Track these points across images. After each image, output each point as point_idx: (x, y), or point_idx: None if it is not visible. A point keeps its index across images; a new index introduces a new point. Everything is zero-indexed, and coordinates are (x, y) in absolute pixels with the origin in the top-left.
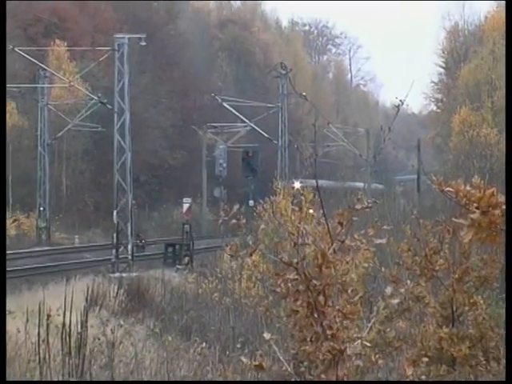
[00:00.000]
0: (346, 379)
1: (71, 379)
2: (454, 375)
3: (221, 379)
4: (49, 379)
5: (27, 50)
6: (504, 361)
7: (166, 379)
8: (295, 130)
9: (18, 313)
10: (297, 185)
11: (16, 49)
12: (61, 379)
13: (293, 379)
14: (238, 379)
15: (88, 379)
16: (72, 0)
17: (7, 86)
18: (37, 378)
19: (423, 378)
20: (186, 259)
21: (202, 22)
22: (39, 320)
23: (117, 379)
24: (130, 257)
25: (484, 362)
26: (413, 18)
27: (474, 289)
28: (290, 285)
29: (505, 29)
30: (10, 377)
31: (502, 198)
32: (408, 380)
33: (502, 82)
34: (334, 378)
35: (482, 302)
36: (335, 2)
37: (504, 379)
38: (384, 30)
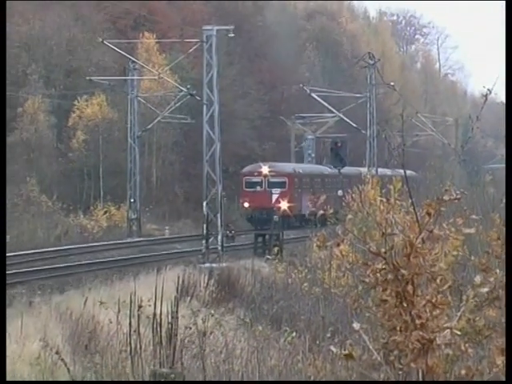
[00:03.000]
0: (435, 368)
1: (163, 369)
2: None
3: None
4: (140, 370)
5: (117, 42)
6: None
7: (257, 368)
8: (383, 120)
9: (109, 303)
10: (264, 169)
11: (106, 42)
12: (152, 369)
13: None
14: (329, 369)
15: (179, 368)
16: None
17: (97, 78)
18: (128, 369)
19: None
20: (276, 249)
21: (289, 13)
22: (130, 310)
23: (208, 369)
24: (220, 247)
25: None
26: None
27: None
28: (378, 274)
29: (505, 29)
30: (102, 365)
31: None
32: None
33: None
34: (423, 367)
35: None
36: None
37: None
38: (472, 19)
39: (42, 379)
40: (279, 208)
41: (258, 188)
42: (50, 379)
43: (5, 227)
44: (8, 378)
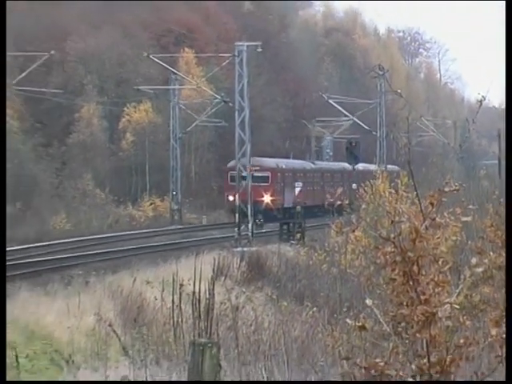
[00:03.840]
0: (437, 338)
1: (201, 339)
2: None
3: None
4: (181, 340)
5: (160, 56)
6: None
7: (283, 338)
8: (391, 123)
9: (155, 283)
10: (232, 163)
11: (151, 56)
12: (192, 339)
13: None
14: (345, 339)
15: (215, 339)
16: (198, 13)
17: (144, 87)
18: (171, 339)
19: (504, 336)
20: (298, 235)
21: (310, 30)
22: (173, 289)
23: (240, 339)
24: (250, 234)
25: None
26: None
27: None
28: (388, 257)
29: (505, 29)
30: (148, 336)
31: None
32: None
33: None
34: (427, 337)
35: None
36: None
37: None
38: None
39: (96, 349)
40: (262, 201)
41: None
42: (104, 348)
43: (5, 227)
44: (68, 351)
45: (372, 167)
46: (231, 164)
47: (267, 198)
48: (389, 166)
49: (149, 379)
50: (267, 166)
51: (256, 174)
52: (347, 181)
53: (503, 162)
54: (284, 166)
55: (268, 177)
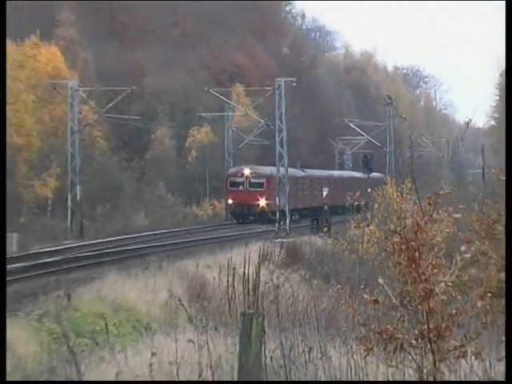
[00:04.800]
0: (435, 309)
1: (250, 310)
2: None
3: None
4: (234, 312)
5: (217, 90)
6: None
7: (314, 309)
8: (398, 140)
9: (214, 267)
10: (246, 171)
11: (210, 90)
12: (242, 311)
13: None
14: (362, 310)
15: (261, 310)
16: (246, 55)
17: (204, 114)
18: (226, 310)
19: (488, 307)
20: (326, 229)
21: (333, 68)
22: (228, 271)
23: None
24: (287, 227)
25: None
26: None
27: (505, 232)
28: (395, 245)
29: (505, 29)
30: (209, 308)
31: None
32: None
33: None
34: (426, 308)
35: None
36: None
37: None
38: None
39: (168, 319)
40: (258, 205)
41: (241, 187)
42: (174, 317)
43: (5, 227)
44: (146, 320)
45: (358, 174)
46: (230, 171)
47: (262, 202)
48: (376, 174)
49: (210, 343)
50: (263, 173)
51: (253, 181)
52: (333, 185)
53: (486, 171)
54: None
55: (263, 183)
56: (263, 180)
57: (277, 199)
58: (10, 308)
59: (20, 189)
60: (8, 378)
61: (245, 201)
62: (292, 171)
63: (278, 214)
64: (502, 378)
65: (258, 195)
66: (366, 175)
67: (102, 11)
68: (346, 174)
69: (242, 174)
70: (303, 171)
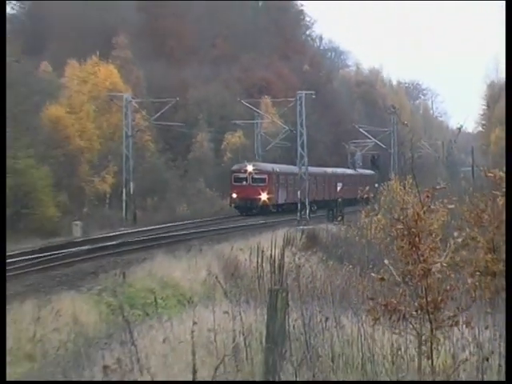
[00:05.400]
0: (432, 285)
1: (275, 287)
2: (494, 282)
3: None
4: (262, 288)
5: (248, 101)
6: None
7: (329, 285)
8: (400, 143)
9: (245, 249)
10: (249, 168)
11: (242, 101)
12: (269, 287)
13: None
14: (370, 286)
15: (285, 286)
16: (272, 72)
17: (237, 121)
18: (256, 286)
19: (476, 283)
20: (339, 218)
21: (346, 82)
22: (257, 253)
23: (301, 286)
24: (307, 217)
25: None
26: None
27: (505, 231)
28: (398, 231)
29: (505, 29)
30: (241, 285)
31: None
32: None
33: None
34: (425, 284)
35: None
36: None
37: (503, 378)
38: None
39: (207, 293)
40: (260, 199)
41: (244, 183)
42: (212, 292)
43: (5, 228)
44: (189, 294)
45: (350, 171)
46: (234, 167)
47: (264, 196)
48: (367, 171)
49: (242, 314)
50: (265, 169)
51: (255, 177)
52: (328, 181)
53: (475, 169)
54: (278, 170)
55: (265, 178)
56: (265, 176)
57: (277, 193)
58: (74, 284)
59: (83, 184)
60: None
61: (248, 195)
62: (292, 168)
63: (299, 205)
64: (487, 343)
65: (260, 190)
66: (332, 170)
67: (153, 36)
68: (282, 167)
69: (246, 171)
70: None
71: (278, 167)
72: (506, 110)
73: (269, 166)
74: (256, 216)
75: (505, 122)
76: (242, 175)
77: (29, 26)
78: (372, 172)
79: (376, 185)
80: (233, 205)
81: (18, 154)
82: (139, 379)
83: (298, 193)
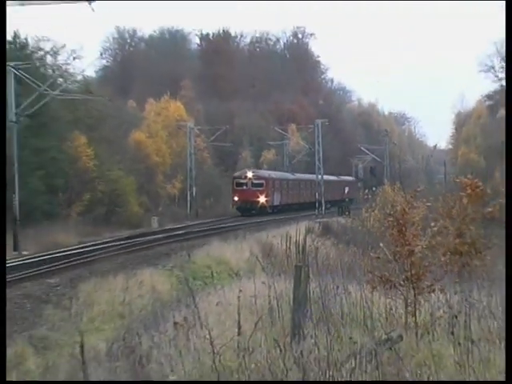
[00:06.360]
0: (415, 262)
1: (299, 264)
2: (461, 259)
3: (362, 263)
4: (290, 264)
5: (279, 127)
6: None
7: (339, 262)
8: (391, 157)
9: (277, 236)
10: (249, 174)
11: (275, 128)
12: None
13: (392, 263)
14: (369, 263)
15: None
16: (297, 105)
17: (271, 143)
18: (286, 263)
19: (448, 261)
20: (347, 212)
21: (351, 113)
22: (286, 239)
23: (319, 263)
24: (323, 212)
25: (474, 253)
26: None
27: (470, 222)
28: (390, 222)
29: (505, 29)
30: (275, 262)
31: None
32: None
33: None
34: (409, 262)
35: (472, 228)
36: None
37: (504, 378)
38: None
39: (249, 269)
40: (258, 201)
41: (244, 187)
42: (253, 268)
43: (5, 227)
44: (236, 269)
45: (332, 177)
46: (236, 174)
47: (262, 199)
48: (349, 178)
49: (275, 284)
50: (263, 175)
51: (255, 182)
52: (313, 187)
53: (447, 176)
54: (274, 176)
55: (263, 183)
56: (263, 181)
57: (273, 196)
58: (152, 262)
59: (158, 189)
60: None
61: (248, 198)
62: (286, 174)
63: (317, 203)
64: (456, 304)
65: (259, 193)
66: (295, 176)
67: (209, 79)
68: (278, 174)
69: (246, 176)
70: (293, 175)
71: (274, 173)
72: (506, 110)
73: (266, 173)
74: (284, 213)
75: (505, 122)
76: (242, 180)
77: (119, 74)
78: (354, 179)
79: (373, 188)
80: (235, 207)
81: (112, 167)
82: (200, 332)
83: (316, 194)
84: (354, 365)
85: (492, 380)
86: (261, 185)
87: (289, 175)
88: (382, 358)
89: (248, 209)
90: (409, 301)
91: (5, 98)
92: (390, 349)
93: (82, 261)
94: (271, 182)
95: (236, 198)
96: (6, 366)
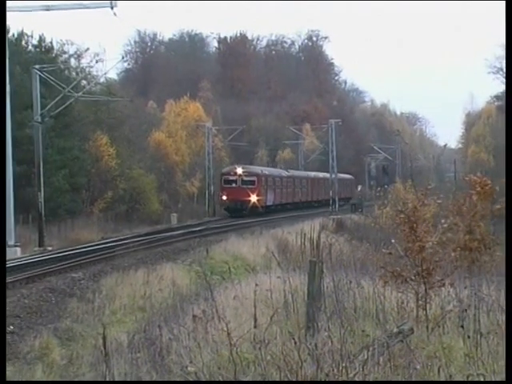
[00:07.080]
0: (426, 257)
1: (313, 259)
2: (471, 255)
3: (374, 258)
4: (305, 260)
5: (294, 127)
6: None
7: (353, 257)
8: (403, 156)
9: (292, 233)
10: (239, 170)
11: (290, 128)
12: (310, 259)
13: (404, 258)
14: (382, 258)
15: (321, 258)
16: (311, 106)
17: (287, 141)
18: (300, 259)
19: (458, 256)
20: (360, 210)
21: (364, 113)
22: (300, 235)
23: (332, 259)
24: (337, 209)
25: (483, 249)
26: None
27: (479, 219)
28: (401, 219)
29: (505, 29)
30: (289, 257)
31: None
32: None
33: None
34: (421, 257)
35: (481, 224)
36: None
37: (503, 378)
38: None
39: (265, 264)
40: (249, 201)
41: (234, 185)
42: (269, 263)
43: (5, 228)
44: (253, 264)
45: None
46: (224, 170)
47: (254, 198)
48: (347, 176)
49: (290, 278)
50: (254, 172)
51: (245, 179)
52: (307, 184)
53: (457, 175)
54: (266, 172)
55: (254, 181)
56: (254, 178)
57: (266, 195)
58: (172, 257)
59: (178, 187)
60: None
61: (238, 197)
62: (279, 171)
63: (331, 200)
64: (466, 299)
65: (250, 192)
66: (289, 173)
67: (226, 81)
68: (271, 170)
69: (235, 173)
70: (287, 171)
71: (266, 170)
72: (506, 111)
73: (258, 169)
74: (311, 208)
75: (505, 122)
76: (231, 177)
77: (140, 76)
78: (351, 177)
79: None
80: (223, 207)
81: (133, 166)
82: (218, 325)
83: (330, 192)
84: (366, 357)
85: (492, 380)
86: (252, 182)
87: (283, 172)
88: (393, 351)
89: (238, 209)
90: (420, 295)
91: (5, 98)
92: (402, 341)
93: (104, 256)
94: (264, 179)
95: (224, 197)
96: (6, 365)
